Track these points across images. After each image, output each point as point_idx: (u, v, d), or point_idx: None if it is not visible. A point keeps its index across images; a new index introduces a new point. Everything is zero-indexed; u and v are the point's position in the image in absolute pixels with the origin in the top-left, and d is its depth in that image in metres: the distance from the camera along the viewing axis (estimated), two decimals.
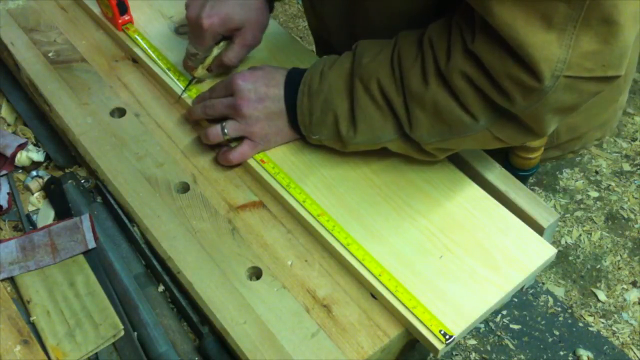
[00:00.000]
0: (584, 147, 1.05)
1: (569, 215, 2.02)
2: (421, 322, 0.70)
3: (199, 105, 0.88)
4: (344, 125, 0.79)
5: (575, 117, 0.95)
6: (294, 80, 0.82)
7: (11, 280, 0.77)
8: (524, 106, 0.68)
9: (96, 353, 0.72)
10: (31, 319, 0.74)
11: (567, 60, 0.64)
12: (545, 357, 1.72)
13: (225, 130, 0.84)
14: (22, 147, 0.89)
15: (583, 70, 0.65)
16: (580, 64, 0.65)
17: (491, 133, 0.74)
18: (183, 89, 0.92)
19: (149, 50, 0.97)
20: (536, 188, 2.07)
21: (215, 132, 0.84)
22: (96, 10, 1.03)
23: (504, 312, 1.79)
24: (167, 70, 0.95)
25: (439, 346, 0.69)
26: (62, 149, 0.92)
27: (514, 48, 0.65)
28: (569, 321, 1.78)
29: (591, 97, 0.70)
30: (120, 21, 1.00)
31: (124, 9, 0.99)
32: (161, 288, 0.77)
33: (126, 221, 0.81)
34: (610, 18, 0.63)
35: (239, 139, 0.85)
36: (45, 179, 0.87)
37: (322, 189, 0.82)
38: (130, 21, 1.01)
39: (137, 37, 0.99)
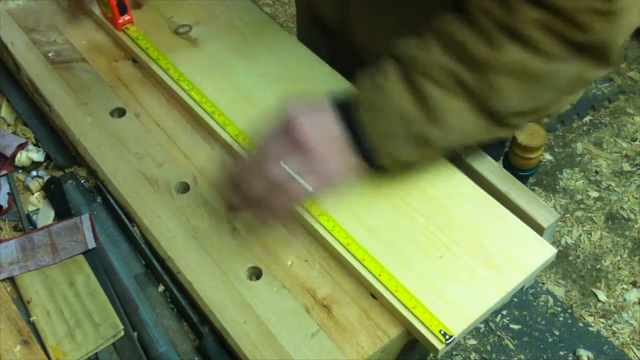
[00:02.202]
0: (557, 112, 1.03)
1: (569, 215, 2.02)
2: (421, 322, 0.70)
3: (243, 169, 0.73)
4: (421, 127, 0.72)
5: None
6: (343, 105, 0.73)
7: (11, 280, 0.77)
8: (601, 33, 0.67)
9: (96, 353, 0.72)
10: (31, 319, 0.74)
11: None
12: (545, 357, 1.72)
13: (286, 166, 0.71)
14: (22, 147, 0.89)
15: None
16: None
17: (571, 73, 0.71)
18: (186, 92, 0.92)
19: (149, 50, 0.97)
20: (536, 188, 2.07)
21: (275, 172, 0.71)
22: (96, 10, 1.03)
23: (504, 312, 1.79)
24: (167, 70, 0.95)
25: (439, 346, 0.69)
26: (62, 149, 0.92)
27: None
28: (569, 321, 1.78)
29: None
30: (120, 21, 1.00)
31: (124, 9, 0.99)
32: (161, 288, 0.77)
33: (126, 221, 0.81)
34: None
35: None
36: (45, 179, 0.87)
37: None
38: (131, 21, 1.01)
39: (137, 37, 0.99)
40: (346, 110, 0.73)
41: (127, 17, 1.00)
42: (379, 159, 0.74)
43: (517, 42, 0.69)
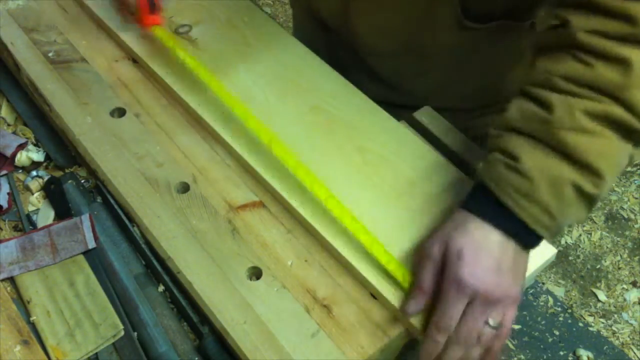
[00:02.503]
0: None
1: None
2: (421, 322, 0.70)
3: (450, 344, 0.68)
4: (587, 184, 0.66)
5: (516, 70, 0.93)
6: (483, 210, 0.68)
7: (11, 280, 0.77)
8: None
9: (96, 353, 0.72)
10: (31, 319, 0.74)
11: None
12: (545, 357, 1.72)
13: (492, 324, 0.67)
14: (22, 147, 0.89)
15: None
16: None
17: None
18: None
19: (173, 48, 0.93)
20: None
21: (487, 333, 0.68)
22: (96, 10, 1.03)
23: None
24: (185, 60, 0.94)
25: None
26: (62, 149, 0.92)
27: None
28: (569, 321, 1.78)
29: None
30: (148, 20, 0.95)
31: (153, 6, 0.94)
32: (161, 288, 0.77)
33: (126, 221, 0.81)
34: None
35: None
36: (45, 179, 0.87)
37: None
38: (158, 22, 0.96)
39: (169, 40, 0.95)
40: (501, 219, 0.67)
41: (156, 17, 0.95)
42: (553, 237, 0.70)
43: (636, 45, 0.64)
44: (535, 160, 0.67)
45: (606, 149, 0.66)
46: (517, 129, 0.69)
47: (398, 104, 0.96)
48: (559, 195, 0.66)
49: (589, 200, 0.67)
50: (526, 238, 0.68)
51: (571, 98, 0.66)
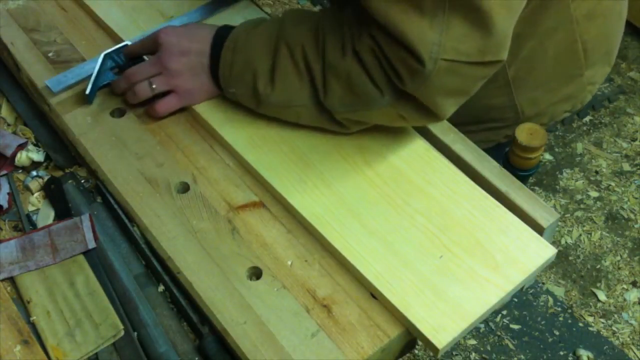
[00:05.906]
0: (554, 120, 1.08)
1: (569, 215, 2.02)
2: (421, 321, 0.70)
3: (122, 76, 0.91)
4: (261, 83, 0.82)
5: (533, 91, 1.02)
6: (222, 37, 0.86)
7: (11, 280, 0.77)
8: (413, 87, 0.73)
9: (96, 353, 0.72)
10: (31, 319, 0.74)
11: (441, 43, 0.70)
12: (545, 357, 1.72)
13: (153, 85, 0.88)
14: (22, 147, 0.89)
15: (460, 54, 0.71)
16: (455, 48, 0.70)
17: (395, 110, 0.78)
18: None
19: None
20: (536, 188, 2.07)
21: (143, 88, 0.88)
22: (96, 10, 1.03)
23: (504, 312, 1.79)
24: None
25: (439, 346, 0.69)
26: (62, 149, 0.92)
27: (395, 35, 0.71)
28: (569, 321, 1.78)
29: (478, 82, 0.76)
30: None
31: None
32: (161, 288, 0.77)
33: (126, 221, 0.81)
34: (475, 5, 0.69)
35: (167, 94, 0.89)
36: (45, 179, 0.87)
37: (322, 189, 0.82)
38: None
39: None
40: (220, 42, 0.85)
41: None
42: (226, 92, 0.87)
43: (358, 61, 0.76)
44: (261, 42, 0.82)
45: (294, 84, 0.81)
46: (281, 19, 0.84)
47: None
48: (246, 66, 0.83)
49: (261, 102, 0.84)
50: (215, 67, 0.86)
51: (311, 40, 0.80)
